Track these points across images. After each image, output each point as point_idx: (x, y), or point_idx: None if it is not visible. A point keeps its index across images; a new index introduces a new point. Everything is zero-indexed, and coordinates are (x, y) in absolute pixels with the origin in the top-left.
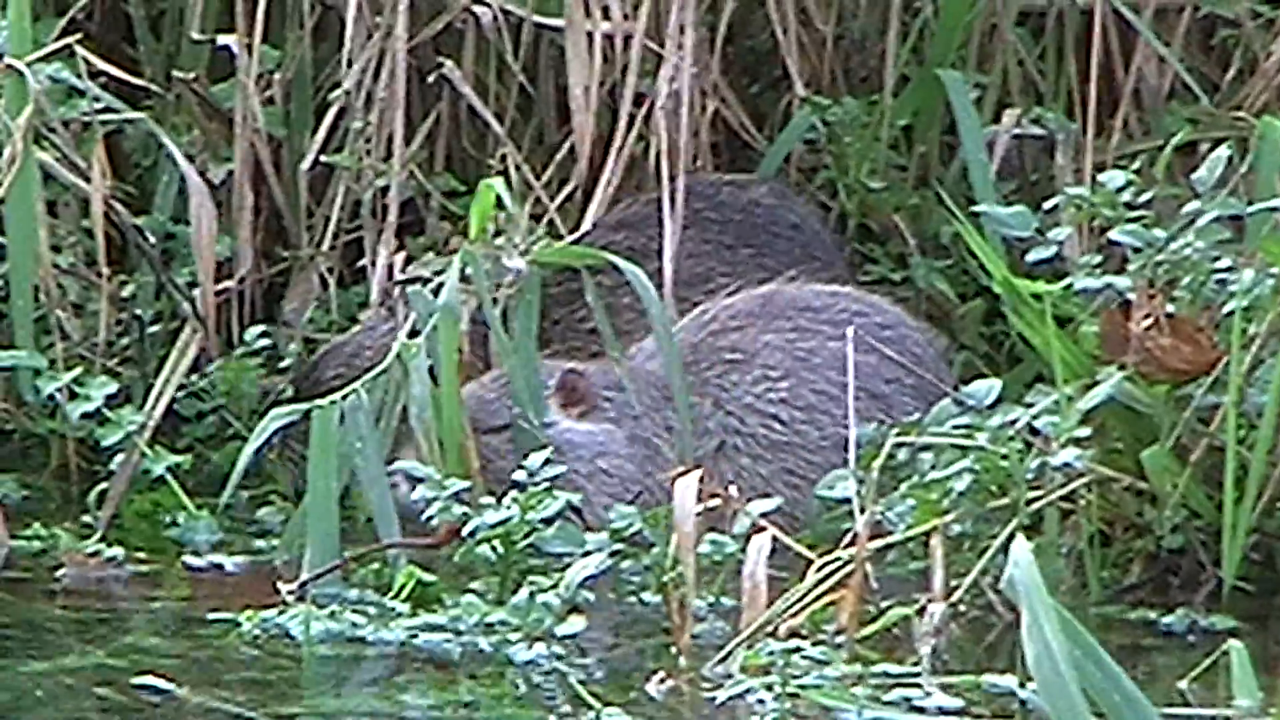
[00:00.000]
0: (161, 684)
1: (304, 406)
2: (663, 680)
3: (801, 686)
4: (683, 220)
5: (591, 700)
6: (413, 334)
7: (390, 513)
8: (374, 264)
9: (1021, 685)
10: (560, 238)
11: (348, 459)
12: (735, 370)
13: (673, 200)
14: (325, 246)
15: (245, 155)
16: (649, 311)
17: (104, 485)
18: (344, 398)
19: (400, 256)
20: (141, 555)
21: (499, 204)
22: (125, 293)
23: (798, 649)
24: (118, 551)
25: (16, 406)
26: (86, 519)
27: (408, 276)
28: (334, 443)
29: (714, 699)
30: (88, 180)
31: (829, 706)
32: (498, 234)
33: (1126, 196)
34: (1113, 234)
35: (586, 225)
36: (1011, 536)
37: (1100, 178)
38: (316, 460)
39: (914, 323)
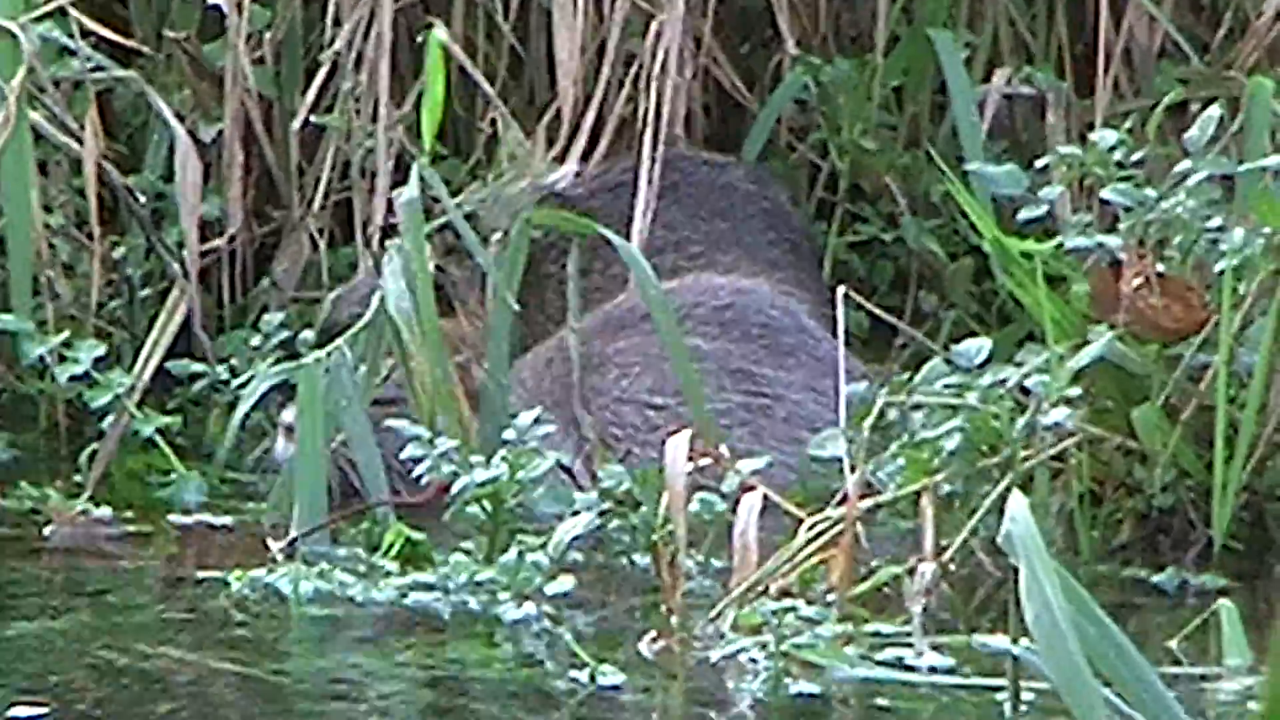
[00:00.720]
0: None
1: (293, 365)
2: (654, 639)
3: (796, 645)
4: (659, 189)
5: (586, 658)
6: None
7: (379, 470)
8: (364, 226)
9: (1014, 642)
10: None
11: (334, 417)
12: (595, 374)
13: (651, 164)
14: (316, 206)
15: (236, 115)
16: (636, 279)
17: (94, 446)
18: (328, 354)
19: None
20: (131, 515)
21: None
22: (116, 254)
23: (791, 608)
24: (106, 511)
25: (7, 367)
26: (76, 479)
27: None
28: (320, 400)
29: (707, 658)
30: (79, 141)
31: (821, 665)
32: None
33: (1118, 156)
34: (1104, 193)
35: (559, 186)
36: (1002, 496)
37: (1091, 137)
38: (303, 418)
39: (754, 289)
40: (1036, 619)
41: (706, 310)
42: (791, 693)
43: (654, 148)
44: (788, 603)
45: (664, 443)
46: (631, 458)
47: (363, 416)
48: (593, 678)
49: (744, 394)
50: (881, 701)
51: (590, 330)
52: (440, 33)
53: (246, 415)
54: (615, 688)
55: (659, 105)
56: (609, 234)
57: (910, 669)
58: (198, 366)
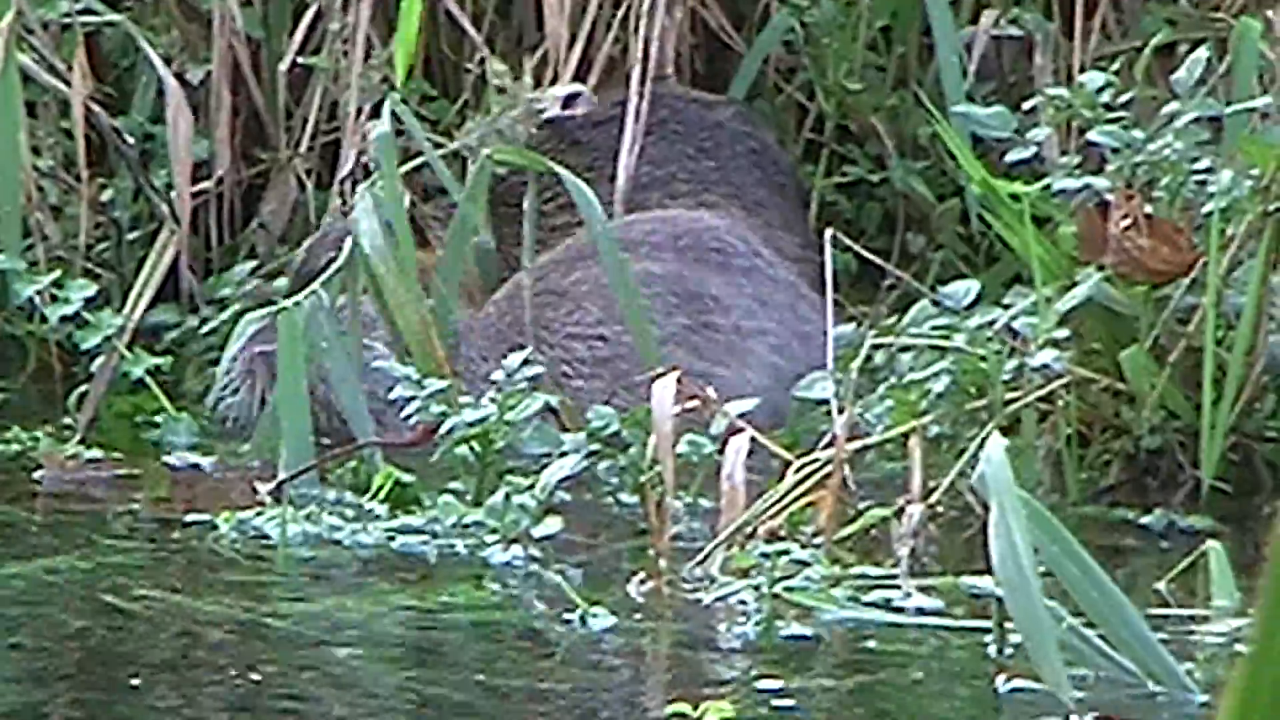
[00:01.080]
0: None
1: (274, 308)
2: (642, 581)
3: (788, 589)
4: (647, 127)
5: (579, 601)
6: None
7: (363, 412)
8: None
9: (998, 584)
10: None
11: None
12: (549, 308)
13: (639, 102)
14: (303, 148)
15: (223, 57)
16: (584, 212)
17: (84, 388)
18: (306, 297)
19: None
20: (120, 457)
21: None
22: (104, 196)
23: (785, 551)
24: (97, 454)
25: None
26: (66, 422)
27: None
28: (301, 342)
29: (697, 600)
30: (67, 83)
31: (810, 608)
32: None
33: (1105, 97)
34: (1092, 135)
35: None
36: (989, 438)
37: (1080, 78)
38: (284, 360)
39: (714, 220)
40: (1001, 560)
41: (663, 237)
42: (782, 635)
43: (641, 86)
44: (780, 546)
45: (611, 375)
46: (580, 393)
47: (344, 358)
48: (584, 620)
49: (691, 315)
50: (870, 644)
51: (549, 265)
52: None
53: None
54: (609, 630)
55: (647, 46)
56: (560, 169)
57: (898, 610)
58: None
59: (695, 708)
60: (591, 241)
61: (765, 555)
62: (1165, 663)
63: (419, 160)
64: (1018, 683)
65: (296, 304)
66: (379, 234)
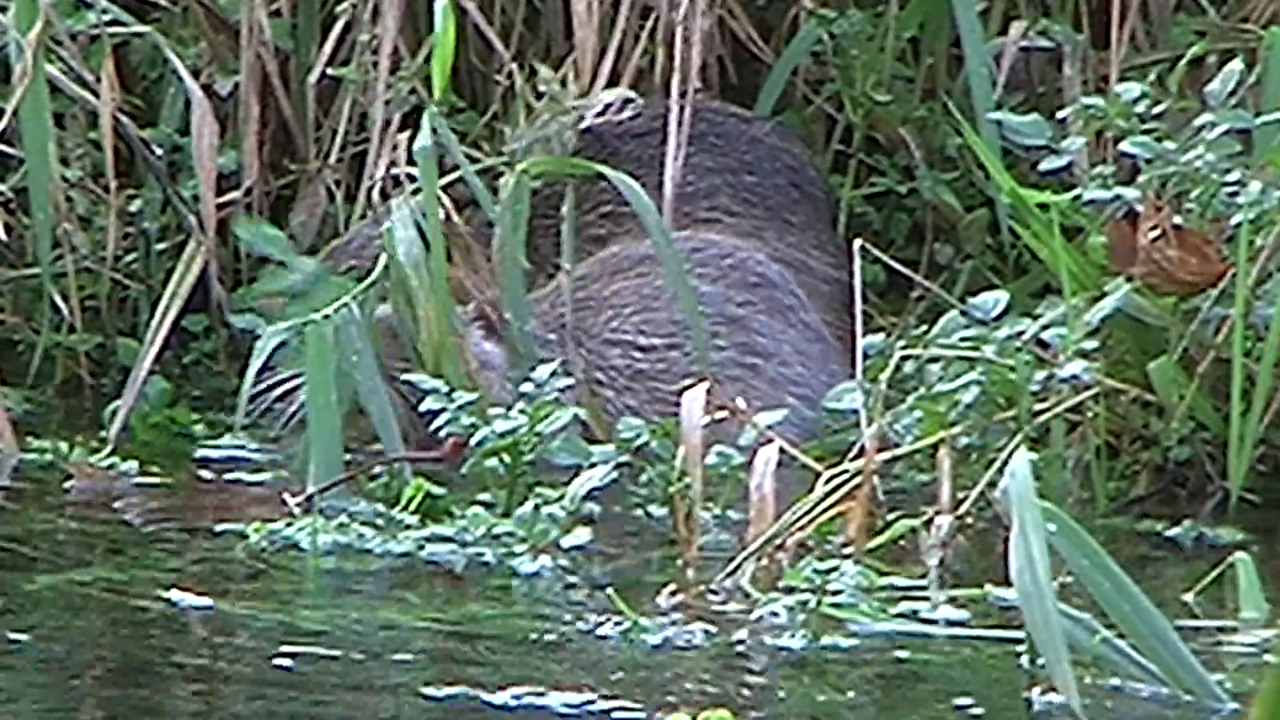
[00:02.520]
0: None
1: (299, 320)
2: (672, 593)
3: (835, 605)
4: (688, 137)
5: (627, 611)
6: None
7: (392, 425)
8: (372, 174)
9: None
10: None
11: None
12: (589, 315)
13: (680, 112)
14: (332, 159)
15: (252, 68)
16: (644, 220)
17: (117, 402)
18: (335, 310)
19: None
20: (152, 468)
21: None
22: (133, 207)
23: (835, 567)
24: (129, 465)
25: (25, 320)
26: (100, 433)
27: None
28: (330, 356)
29: (730, 611)
30: (96, 94)
31: (842, 619)
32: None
33: (1140, 108)
34: (1124, 145)
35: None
36: (1018, 449)
37: (1114, 89)
38: (314, 374)
39: (752, 249)
40: (1019, 574)
41: (709, 258)
42: (816, 646)
43: (682, 96)
44: (830, 563)
45: (645, 387)
46: (611, 402)
47: (374, 371)
48: (632, 630)
49: (733, 343)
50: (901, 655)
51: (589, 273)
52: None
53: (259, 371)
54: (659, 645)
55: (687, 54)
56: (615, 174)
57: (926, 622)
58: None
59: (694, 718)
60: (632, 252)
61: (815, 571)
62: (1196, 672)
63: (455, 174)
64: (1052, 696)
65: (326, 317)
66: (415, 245)
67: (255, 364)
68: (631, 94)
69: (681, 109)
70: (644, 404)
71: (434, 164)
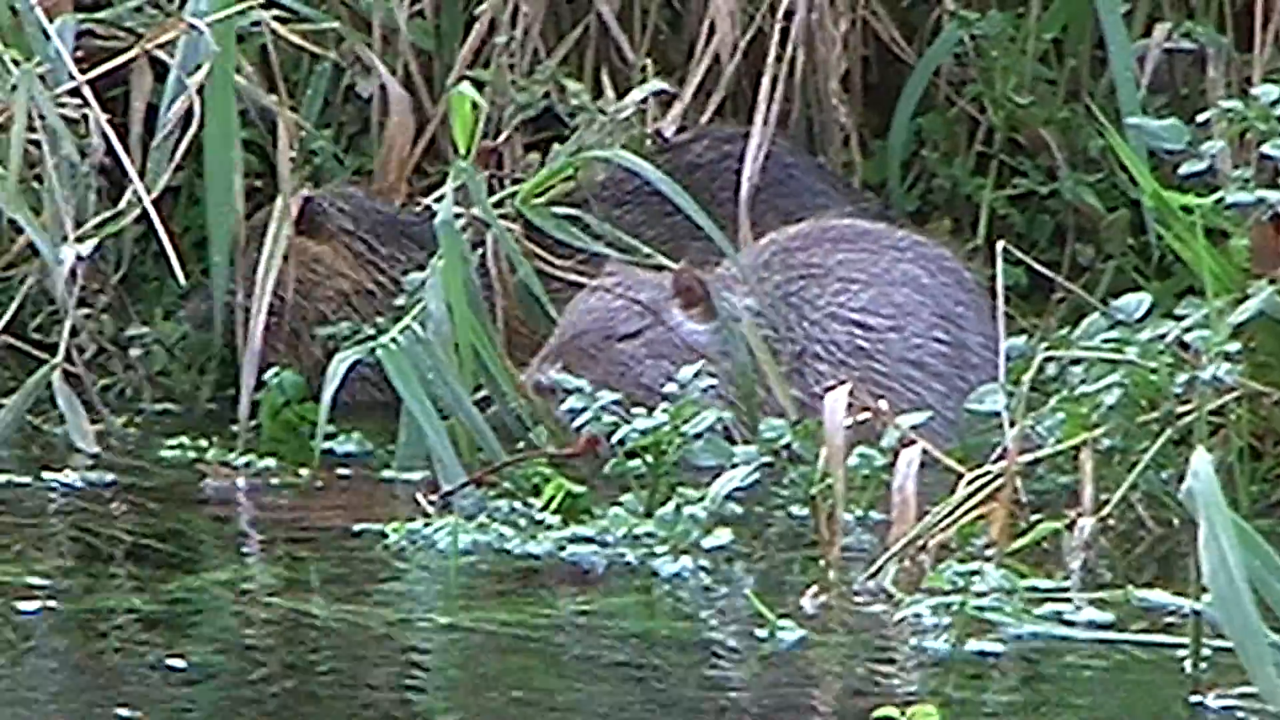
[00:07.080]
0: None
1: (369, 345)
2: (815, 594)
3: (979, 607)
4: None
5: (767, 614)
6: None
7: (485, 429)
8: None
9: (1195, 599)
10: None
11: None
12: (814, 283)
13: (767, 110)
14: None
15: (395, 69)
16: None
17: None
18: (400, 332)
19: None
20: (288, 467)
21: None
22: None
23: (977, 571)
24: (263, 463)
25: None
26: (233, 430)
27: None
28: (411, 369)
29: (874, 613)
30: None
31: (991, 622)
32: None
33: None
34: (1266, 148)
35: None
36: (1161, 451)
37: (1253, 91)
38: (404, 388)
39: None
40: (1213, 575)
41: (928, 252)
42: (965, 650)
43: (772, 91)
44: (972, 566)
45: (861, 366)
46: (824, 376)
47: (455, 383)
48: (772, 634)
49: (950, 338)
50: (1045, 658)
51: (804, 238)
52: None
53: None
54: (798, 642)
55: (813, 58)
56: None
57: (1069, 624)
58: None
59: (902, 713)
60: (852, 224)
61: (958, 573)
62: None
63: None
64: (1214, 700)
65: (393, 340)
66: (444, 321)
67: (328, 391)
68: (665, 86)
69: (769, 103)
70: (856, 383)
71: (459, 237)
